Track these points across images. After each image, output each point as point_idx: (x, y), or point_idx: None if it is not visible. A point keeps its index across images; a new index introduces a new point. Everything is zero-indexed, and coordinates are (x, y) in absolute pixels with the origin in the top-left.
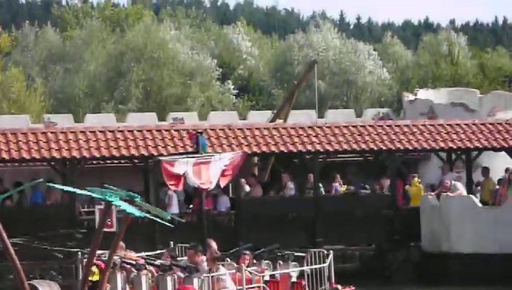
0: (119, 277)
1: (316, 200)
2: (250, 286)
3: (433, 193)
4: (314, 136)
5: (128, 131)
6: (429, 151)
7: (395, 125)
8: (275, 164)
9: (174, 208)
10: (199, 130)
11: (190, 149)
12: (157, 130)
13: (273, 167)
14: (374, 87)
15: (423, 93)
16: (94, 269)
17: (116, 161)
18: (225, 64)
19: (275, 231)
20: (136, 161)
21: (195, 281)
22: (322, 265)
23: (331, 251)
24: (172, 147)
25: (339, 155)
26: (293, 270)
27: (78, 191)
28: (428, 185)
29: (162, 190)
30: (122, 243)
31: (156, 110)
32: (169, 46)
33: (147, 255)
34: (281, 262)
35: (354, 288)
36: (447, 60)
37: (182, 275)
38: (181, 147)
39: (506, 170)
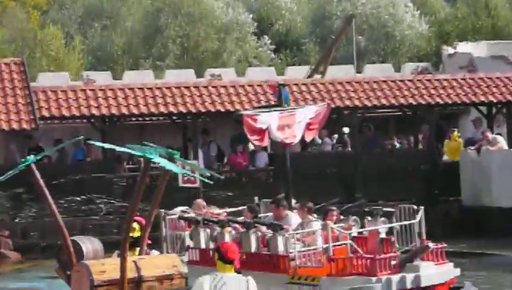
0: (202, 234)
1: (354, 155)
2: (336, 243)
3: (473, 147)
4: (352, 91)
5: (166, 88)
6: (469, 105)
7: (434, 80)
8: None
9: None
10: (281, 83)
11: (228, 106)
12: (195, 87)
13: None
14: (412, 41)
15: (462, 47)
16: (135, 225)
17: (154, 118)
18: (262, 20)
19: (314, 186)
20: (174, 117)
21: (280, 239)
22: (412, 221)
23: (422, 207)
24: (210, 103)
25: (377, 110)
26: (382, 227)
27: (118, 148)
28: (468, 139)
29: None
30: (202, 201)
31: (193, 66)
32: (205, 0)
33: (229, 211)
34: (369, 218)
35: (446, 245)
36: (486, 12)
37: (266, 231)
38: (219, 103)
39: None
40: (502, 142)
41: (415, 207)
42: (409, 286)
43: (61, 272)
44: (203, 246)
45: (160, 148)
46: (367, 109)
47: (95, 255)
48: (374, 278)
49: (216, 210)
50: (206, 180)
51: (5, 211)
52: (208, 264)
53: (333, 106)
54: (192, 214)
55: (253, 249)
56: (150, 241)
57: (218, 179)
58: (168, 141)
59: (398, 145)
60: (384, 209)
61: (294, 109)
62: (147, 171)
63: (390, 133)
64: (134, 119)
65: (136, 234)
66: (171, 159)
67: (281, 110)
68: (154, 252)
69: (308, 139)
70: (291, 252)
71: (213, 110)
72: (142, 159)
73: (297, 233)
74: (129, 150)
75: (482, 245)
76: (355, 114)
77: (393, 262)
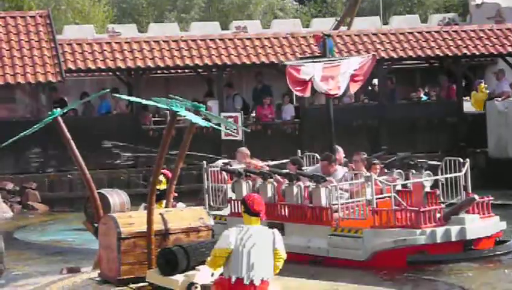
0: (245, 186)
1: (379, 107)
2: (380, 195)
3: (500, 99)
4: (378, 43)
5: (192, 40)
6: (496, 56)
7: (461, 31)
8: None
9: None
10: (326, 33)
11: (254, 58)
12: (220, 39)
13: None
14: None
15: None
16: (161, 178)
17: (180, 71)
18: None
19: (339, 138)
20: (199, 70)
21: (323, 191)
22: (457, 174)
23: (468, 159)
24: (235, 56)
25: (404, 62)
26: (426, 180)
27: (144, 101)
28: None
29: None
30: (246, 149)
31: (218, 18)
32: None
33: (272, 164)
34: (414, 171)
35: (492, 198)
36: None
37: (309, 184)
38: (245, 56)
39: None
40: None
41: (461, 160)
42: (453, 238)
43: (88, 225)
44: None
45: (186, 101)
46: (393, 60)
47: (122, 208)
48: (418, 231)
49: (259, 162)
50: (233, 133)
51: (32, 163)
52: None
53: None
54: (234, 167)
55: (296, 201)
56: (176, 194)
57: (245, 131)
58: (194, 93)
59: (424, 98)
60: (429, 162)
61: (339, 60)
62: (173, 124)
63: (417, 85)
64: (159, 72)
65: (163, 186)
66: (196, 112)
67: (326, 61)
68: (181, 205)
69: (353, 90)
70: (334, 204)
71: (238, 62)
72: (168, 112)
73: (342, 185)
74: (155, 103)
75: (510, 197)
76: (381, 66)
77: (438, 215)
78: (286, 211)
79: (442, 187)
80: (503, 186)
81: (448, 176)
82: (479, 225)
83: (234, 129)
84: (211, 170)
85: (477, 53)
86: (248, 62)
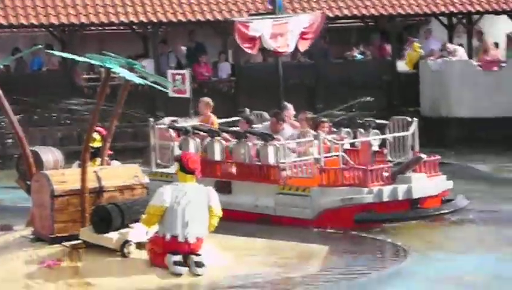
0: (192, 144)
1: (315, 66)
2: (328, 154)
3: (433, 58)
4: (314, 1)
5: None
6: (430, 15)
7: None
8: None
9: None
10: None
11: (190, 16)
12: None
13: None
14: None
15: None
16: (96, 135)
17: (115, 28)
18: None
19: (275, 97)
20: (135, 27)
21: (271, 149)
22: (405, 133)
23: (416, 119)
24: (171, 13)
25: (339, 21)
26: (374, 138)
27: (77, 57)
28: (428, 50)
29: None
30: (209, 99)
31: None
32: None
33: (221, 122)
34: (362, 130)
35: (440, 157)
36: None
37: (257, 142)
38: (180, 13)
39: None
40: (462, 53)
41: (409, 119)
42: (400, 197)
43: (21, 182)
44: None
45: (120, 59)
46: (328, 19)
47: (55, 166)
48: (365, 189)
49: (216, 119)
50: (167, 90)
51: None
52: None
53: None
54: (182, 124)
55: (243, 159)
56: (111, 152)
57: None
58: (129, 51)
59: (359, 57)
60: (377, 121)
61: (288, 17)
62: (108, 81)
63: (352, 44)
64: (94, 28)
65: (97, 144)
66: (131, 69)
67: (275, 17)
68: (115, 163)
69: (302, 48)
70: (282, 163)
71: (174, 20)
72: (102, 69)
73: (289, 142)
74: (89, 60)
75: (441, 154)
76: None
77: (385, 174)
78: (234, 169)
79: (390, 146)
80: (435, 145)
81: (396, 135)
82: (426, 184)
83: (170, 87)
84: (158, 127)
85: (412, 12)
86: (184, 19)
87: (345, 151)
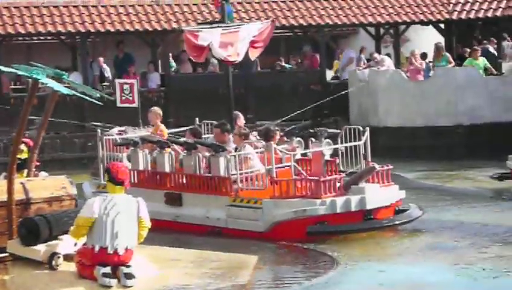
0: (141, 156)
1: (245, 76)
2: (280, 165)
3: (361, 67)
4: (243, 12)
5: (54, 7)
6: (357, 26)
7: (324, 0)
8: None
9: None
10: None
11: (118, 26)
12: (83, 6)
13: None
14: None
15: None
16: (23, 147)
17: (43, 38)
18: None
19: (205, 107)
20: (63, 37)
21: (222, 160)
22: (357, 142)
23: (368, 128)
24: (100, 23)
25: None
26: (327, 148)
27: (3, 68)
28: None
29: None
30: (159, 109)
31: None
32: None
33: (170, 134)
34: (313, 140)
35: (392, 167)
36: None
37: (207, 154)
38: (109, 23)
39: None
40: (389, 62)
41: (361, 128)
42: (353, 208)
43: None
44: (141, 167)
45: (48, 69)
46: None
47: None
48: (318, 201)
49: (165, 129)
50: (95, 101)
51: None
52: (146, 186)
53: None
54: (130, 135)
55: (194, 170)
56: (38, 163)
57: (108, 100)
58: (57, 61)
59: (287, 66)
60: (329, 130)
61: (238, 25)
62: (35, 92)
63: (281, 54)
64: (21, 38)
65: (24, 155)
66: (58, 79)
67: (224, 26)
68: (43, 174)
69: (252, 57)
70: (233, 174)
71: (102, 30)
72: (29, 80)
73: (237, 154)
74: (16, 70)
75: None
76: None
77: (338, 184)
78: (184, 180)
79: (342, 156)
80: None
81: (348, 145)
82: (379, 195)
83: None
84: (106, 138)
85: (340, 22)
86: (112, 30)
87: (297, 161)
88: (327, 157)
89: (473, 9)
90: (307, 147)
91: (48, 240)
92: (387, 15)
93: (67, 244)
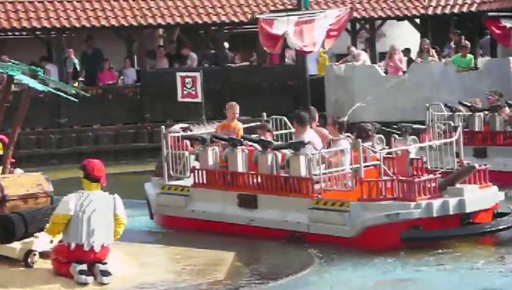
0: (210, 154)
1: (222, 71)
2: (366, 163)
3: (337, 63)
4: (219, 7)
5: (29, 2)
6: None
7: None
8: (180, 35)
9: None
10: None
11: (94, 22)
12: (58, 1)
13: (179, 38)
14: None
15: None
16: None
17: (17, 33)
18: None
19: (181, 103)
20: (38, 33)
21: (302, 159)
22: (450, 139)
23: (460, 124)
24: (75, 19)
25: (246, 26)
26: (414, 146)
27: None
28: (333, 54)
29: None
30: (237, 105)
31: None
32: None
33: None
34: (397, 136)
35: (489, 166)
36: None
37: (285, 152)
38: (84, 18)
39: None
40: (365, 57)
41: (452, 124)
42: (451, 211)
43: None
44: (211, 166)
45: (23, 65)
46: (235, 24)
47: None
48: (412, 203)
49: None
50: (71, 98)
51: None
52: (216, 186)
53: (200, 22)
54: (195, 132)
55: (270, 170)
56: (14, 160)
57: (84, 96)
58: (32, 57)
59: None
60: (414, 126)
61: (314, 13)
62: (9, 88)
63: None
64: None
65: None
66: (34, 76)
67: (300, 14)
68: (18, 171)
69: (327, 46)
70: (315, 175)
71: (77, 25)
72: (3, 76)
73: (322, 152)
74: None
75: None
76: (222, 30)
77: (432, 185)
78: (259, 181)
79: (427, 154)
80: None
81: (439, 142)
82: (479, 196)
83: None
84: (171, 135)
85: None
86: (88, 25)
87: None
88: (412, 155)
89: (448, 4)
90: (388, 144)
91: (24, 238)
92: (363, 10)
93: (43, 241)
